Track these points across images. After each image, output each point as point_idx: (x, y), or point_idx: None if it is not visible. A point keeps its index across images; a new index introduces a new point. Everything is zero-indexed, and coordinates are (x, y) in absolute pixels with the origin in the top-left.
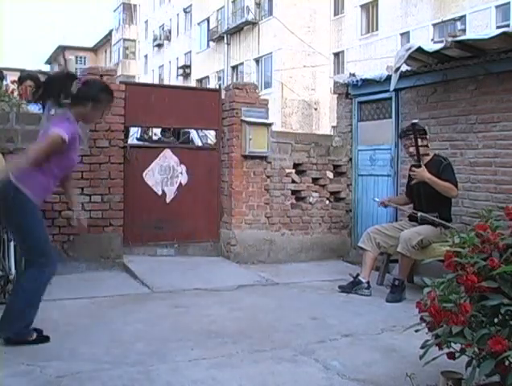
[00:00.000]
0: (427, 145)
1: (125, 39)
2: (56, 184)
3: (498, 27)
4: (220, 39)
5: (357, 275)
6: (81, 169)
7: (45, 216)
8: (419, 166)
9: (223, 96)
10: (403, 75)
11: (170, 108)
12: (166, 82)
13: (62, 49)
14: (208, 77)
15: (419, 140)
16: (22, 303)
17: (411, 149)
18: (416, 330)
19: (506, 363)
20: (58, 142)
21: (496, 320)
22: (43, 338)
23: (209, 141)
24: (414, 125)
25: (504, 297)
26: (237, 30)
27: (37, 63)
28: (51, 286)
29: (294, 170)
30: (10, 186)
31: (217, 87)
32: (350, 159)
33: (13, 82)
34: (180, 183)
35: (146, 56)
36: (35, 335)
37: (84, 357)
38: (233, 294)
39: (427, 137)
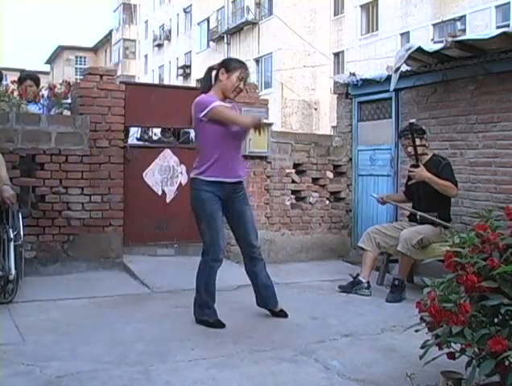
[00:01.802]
0: (425, 145)
1: (125, 39)
2: None
3: (498, 27)
4: (220, 38)
5: (357, 275)
6: (81, 169)
7: (45, 216)
8: (418, 166)
9: None
10: (403, 75)
11: (170, 108)
12: (166, 82)
13: (62, 49)
14: None
15: (417, 140)
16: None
17: (409, 149)
18: (416, 330)
19: (506, 363)
20: None
21: (496, 320)
22: (219, 324)
23: None
24: (411, 125)
25: (504, 297)
26: (237, 30)
27: (37, 63)
28: (51, 286)
29: (294, 170)
30: None
31: None
32: (350, 159)
33: (13, 82)
34: (180, 183)
35: (146, 56)
36: (212, 319)
37: (84, 357)
38: (233, 294)
39: (425, 136)
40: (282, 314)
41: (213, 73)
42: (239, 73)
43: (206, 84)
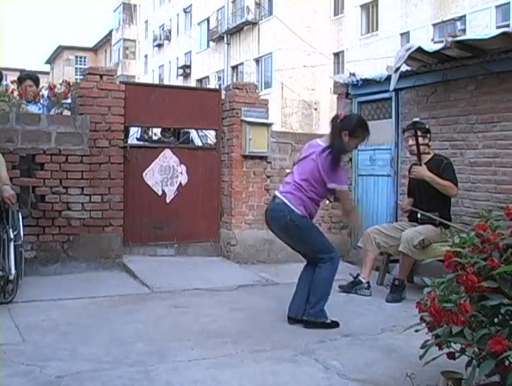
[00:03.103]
0: (427, 144)
1: (125, 39)
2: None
3: (498, 27)
4: (220, 39)
5: (357, 275)
6: (81, 169)
7: (45, 216)
8: (420, 165)
9: (223, 96)
10: (403, 75)
11: (170, 108)
12: (166, 82)
13: (62, 49)
14: (208, 77)
15: (421, 138)
16: (322, 290)
17: (411, 142)
18: (416, 330)
19: (506, 363)
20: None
21: (496, 320)
22: (335, 324)
23: (209, 141)
24: (415, 124)
25: (504, 297)
26: (237, 30)
27: (37, 63)
28: (51, 286)
29: None
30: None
31: (217, 87)
32: (350, 159)
33: (13, 82)
34: (180, 183)
35: (146, 56)
36: (329, 320)
37: (84, 357)
38: (233, 294)
39: (428, 136)
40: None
41: (336, 124)
42: (359, 141)
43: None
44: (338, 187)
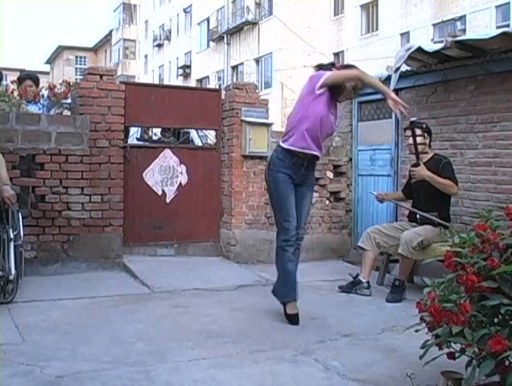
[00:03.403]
0: (425, 144)
1: (125, 39)
2: None
3: (498, 27)
4: (220, 39)
5: (357, 275)
6: (81, 169)
7: (45, 216)
8: (419, 165)
9: (223, 96)
10: (403, 75)
11: (170, 108)
12: (166, 82)
13: (62, 49)
14: (208, 77)
15: (421, 138)
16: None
17: (410, 141)
18: (416, 330)
19: (506, 363)
20: None
21: (496, 320)
22: (293, 317)
23: (209, 141)
24: (412, 123)
25: (504, 297)
26: (237, 30)
27: (37, 63)
28: (51, 286)
29: None
30: None
31: (217, 87)
32: (350, 159)
33: (13, 82)
34: (180, 183)
35: (146, 56)
36: (288, 300)
37: (84, 357)
38: (233, 294)
39: (426, 134)
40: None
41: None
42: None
43: (326, 66)
44: (325, 77)
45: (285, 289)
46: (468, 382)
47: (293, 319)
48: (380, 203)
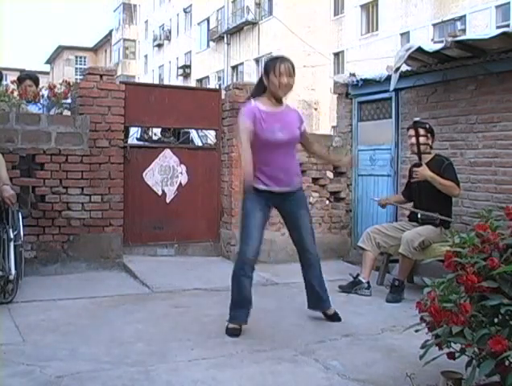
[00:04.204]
0: (427, 144)
1: (125, 39)
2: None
3: (498, 27)
4: (220, 38)
5: (357, 275)
6: (81, 169)
7: (45, 216)
8: (420, 165)
9: (223, 96)
10: (403, 75)
11: (170, 108)
12: (166, 82)
13: (62, 49)
14: (208, 77)
15: (423, 138)
16: None
17: (413, 140)
18: (416, 330)
19: (506, 363)
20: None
21: (496, 320)
22: (234, 331)
23: (209, 141)
24: (415, 123)
25: (504, 297)
26: (237, 30)
27: (37, 63)
28: (51, 286)
29: None
30: None
31: (217, 87)
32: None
33: (13, 82)
34: (180, 183)
35: (146, 56)
36: (231, 325)
37: (84, 357)
38: None
39: (429, 135)
40: (336, 317)
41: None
42: (274, 70)
43: (255, 89)
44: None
45: (237, 311)
46: (468, 382)
47: (233, 332)
48: (382, 208)
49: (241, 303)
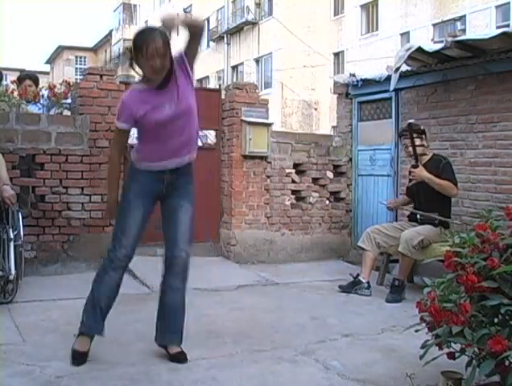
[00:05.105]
0: (424, 145)
1: (125, 39)
2: None
3: (498, 27)
4: (220, 38)
5: (357, 275)
6: (81, 169)
7: (45, 216)
8: (417, 167)
9: (223, 96)
10: (403, 75)
11: None
12: None
13: (62, 49)
14: (208, 77)
15: (418, 140)
16: None
17: (409, 149)
18: (416, 330)
19: (506, 363)
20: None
21: (496, 320)
22: (76, 353)
23: (209, 141)
24: (410, 125)
25: (504, 297)
26: (237, 30)
27: (37, 63)
28: (51, 286)
29: (294, 170)
30: None
31: (217, 87)
32: (350, 159)
33: (13, 82)
34: None
35: None
36: (79, 333)
37: None
38: (233, 294)
39: (424, 136)
40: (181, 357)
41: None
42: (141, 54)
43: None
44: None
45: (91, 319)
46: (468, 382)
47: (79, 357)
48: (390, 211)
49: (97, 307)
